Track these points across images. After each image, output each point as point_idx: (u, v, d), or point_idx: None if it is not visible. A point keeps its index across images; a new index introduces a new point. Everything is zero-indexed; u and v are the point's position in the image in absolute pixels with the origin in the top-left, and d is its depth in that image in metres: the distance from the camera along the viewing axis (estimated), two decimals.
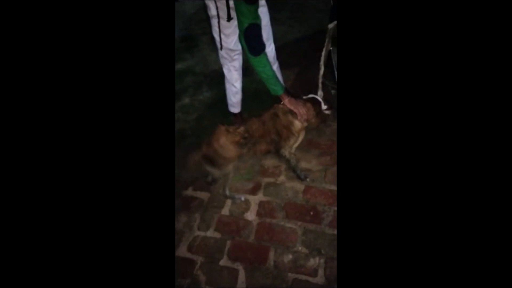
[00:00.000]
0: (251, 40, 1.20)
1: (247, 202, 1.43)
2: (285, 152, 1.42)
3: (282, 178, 1.53)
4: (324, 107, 1.40)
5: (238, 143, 1.28)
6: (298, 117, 1.33)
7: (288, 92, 1.36)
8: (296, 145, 1.46)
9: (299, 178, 1.49)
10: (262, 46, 1.24)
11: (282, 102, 1.35)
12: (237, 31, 1.26)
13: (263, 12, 1.44)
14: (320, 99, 1.39)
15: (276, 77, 1.33)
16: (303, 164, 1.57)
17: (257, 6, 1.18)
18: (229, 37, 1.43)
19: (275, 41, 1.61)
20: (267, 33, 1.50)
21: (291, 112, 1.33)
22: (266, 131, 1.33)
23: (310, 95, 1.41)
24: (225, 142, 1.27)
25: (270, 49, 1.57)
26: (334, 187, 1.44)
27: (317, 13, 2.97)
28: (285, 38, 2.71)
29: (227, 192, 1.43)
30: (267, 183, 1.51)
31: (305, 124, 1.38)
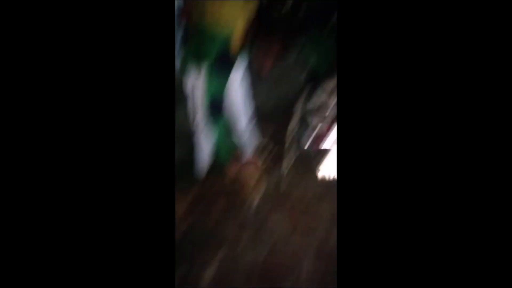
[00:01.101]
0: (212, 109, 1.23)
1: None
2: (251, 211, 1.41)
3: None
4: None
5: (188, 211, 1.22)
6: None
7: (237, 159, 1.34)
8: (255, 202, 1.43)
9: None
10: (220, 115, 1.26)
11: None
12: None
13: (239, 86, 1.53)
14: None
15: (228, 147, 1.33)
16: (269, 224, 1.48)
17: (226, 79, 1.23)
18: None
19: (259, 97, 1.66)
20: (242, 107, 1.58)
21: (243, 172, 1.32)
22: (220, 190, 1.33)
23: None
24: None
25: (245, 124, 1.64)
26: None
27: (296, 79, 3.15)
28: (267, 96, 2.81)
29: None
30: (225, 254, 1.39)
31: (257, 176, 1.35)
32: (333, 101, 1.28)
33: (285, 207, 1.59)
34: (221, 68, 1.20)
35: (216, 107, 1.23)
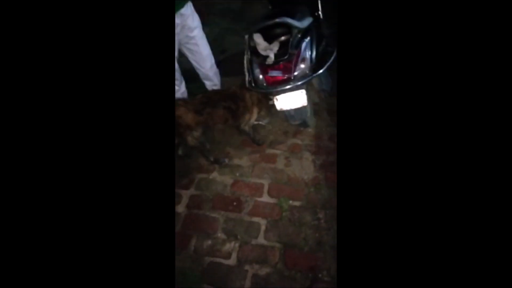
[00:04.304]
0: None
1: (179, 196, 1.55)
2: (245, 127, 1.74)
3: (214, 174, 1.66)
4: (270, 102, 1.68)
5: (196, 110, 1.52)
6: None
7: None
8: (251, 121, 1.73)
9: (256, 143, 1.79)
10: None
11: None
12: None
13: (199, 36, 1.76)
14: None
15: None
16: (236, 161, 1.71)
17: None
18: None
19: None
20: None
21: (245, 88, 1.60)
22: (223, 97, 1.59)
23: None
24: (183, 111, 1.49)
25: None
26: (259, 180, 1.59)
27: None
28: (238, 48, 2.88)
29: None
30: (201, 178, 1.64)
31: (255, 100, 1.67)
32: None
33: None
34: None
35: None
